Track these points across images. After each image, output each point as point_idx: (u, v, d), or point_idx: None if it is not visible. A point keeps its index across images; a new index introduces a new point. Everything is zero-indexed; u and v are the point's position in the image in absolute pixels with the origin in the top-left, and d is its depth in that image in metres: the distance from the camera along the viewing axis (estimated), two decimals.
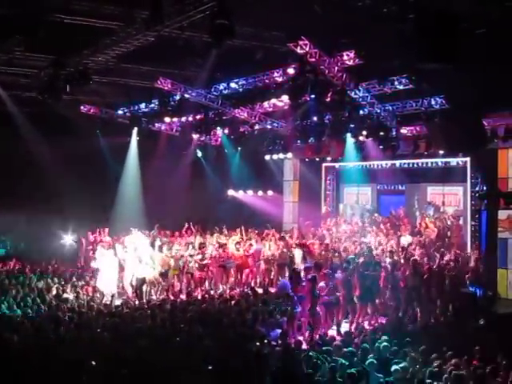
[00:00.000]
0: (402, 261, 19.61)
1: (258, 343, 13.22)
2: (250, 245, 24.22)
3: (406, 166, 28.14)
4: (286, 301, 16.87)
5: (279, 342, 14.03)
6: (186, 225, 26.70)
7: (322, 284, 17.27)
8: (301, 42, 18.98)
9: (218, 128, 29.77)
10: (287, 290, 16.90)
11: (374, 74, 21.45)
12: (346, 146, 27.31)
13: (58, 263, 24.68)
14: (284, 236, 25.76)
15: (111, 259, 21.65)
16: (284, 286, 17.19)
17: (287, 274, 20.78)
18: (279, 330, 15.09)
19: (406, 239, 23.85)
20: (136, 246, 22.17)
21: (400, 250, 21.92)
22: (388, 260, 19.92)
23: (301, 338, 15.58)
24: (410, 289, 18.38)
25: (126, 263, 21.73)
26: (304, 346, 14.66)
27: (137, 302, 19.77)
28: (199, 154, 33.01)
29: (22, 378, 10.81)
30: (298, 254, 23.24)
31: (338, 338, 15.32)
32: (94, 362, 11.50)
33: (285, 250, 23.69)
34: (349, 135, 25.73)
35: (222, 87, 25.01)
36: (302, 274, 18.33)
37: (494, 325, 15.41)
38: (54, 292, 20.12)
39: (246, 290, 21.49)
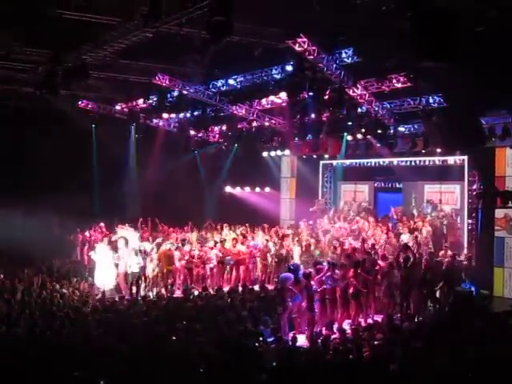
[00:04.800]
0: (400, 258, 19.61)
1: (253, 340, 13.23)
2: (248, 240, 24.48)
3: (403, 163, 28.13)
4: (280, 295, 16.93)
5: (273, 338, 14.05)
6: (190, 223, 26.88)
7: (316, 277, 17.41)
8: (299, 40, 18.92)
9: None
10: (287, 284, 16.88)
11: (372, 71, 21.43)
12: (343, 143, 27.37)
13: (54, 258, 24.77)
14: (287, 233, 25.96)
15: (108, 255, 21.67)
16: (285, 280, 17.13)
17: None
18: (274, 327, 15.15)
19: (405, 237, 23.83)
20: (127, 241, 22.19)
21: (398, 248, 21.91)
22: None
23: (299, 335, 15.62)
24: (405, 287, 18.40)
25: (120, 259, 21.77)
26: (303, 343, 14.76)
27: (132, 298, 19.83)
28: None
29: (16, 373, 10.79)
30: (296, 250, 23.31)
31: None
32: (87, 358, 11.51)
33: (281, 245, 23.87)
34: (346, 133, 25.72)
35: (220, 84, 24.97)
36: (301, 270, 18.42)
37: (490, 323, 15.39)
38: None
39: (241, 286, 21.50)
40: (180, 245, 23.43)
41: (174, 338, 13.46)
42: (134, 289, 21.32)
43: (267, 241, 24.69)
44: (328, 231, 26.70)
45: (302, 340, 15.35)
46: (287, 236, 25.34)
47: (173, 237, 25.11)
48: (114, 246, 22.28)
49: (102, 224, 26.14)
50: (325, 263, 19.32)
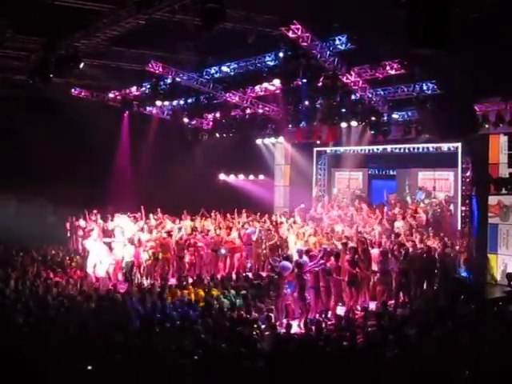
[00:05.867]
0: (395, 246, 19.61)
1: (247, 327, 13.26)
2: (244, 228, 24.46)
3: (397, 150, 28.18)
4: (276, 282, 16.94)
5: (267, 325, 14.08)
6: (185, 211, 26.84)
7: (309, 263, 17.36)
8: (293, 26, 18.87)
9: None
10: (285, 273, 16.87)
11: (366, 58, 21.39)
12: (337, 130, 27.37)
13: (48, 247, 24.76)
14: (278, 220, 25.98)
15: (102, 244, 21.65)
16: (284, 268, 17.10)
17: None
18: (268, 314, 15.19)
19: (399, 224, 23.89)
20: (123, 230, 22.18)
21: (393, 235, 21.98)
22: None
23: (293, 321, 15.68)
24: (400, 274, 18.42)
25: (115, 247, 21.76)
26: (297, 330, 14.79)
27: (127, 286, 19.85)
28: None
29: (13, 362, 10.80)
30: (291, 238, 23.29)
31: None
32: (83, 347, 11.51)
33: (275, 233, 23.90)
34: (340, 120, 25.69)
35: (213, 71, 24.92)
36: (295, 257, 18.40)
37: (484, 310, 15.47)
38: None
39: (235, 274, 21.51)
40: (177, 232, 23.48)
41: (168, 325, 13.48)
42: (128, 276, 21.30)
43: (260, 230, 24.64)
44: (318, 219, 26.72)
45: (295, 327, 15.41)
46: (281, 223, 25.35)
47: (167, 224, 25.08)
48: (108, 235, 22.28)
49: (95, 211, 26.06)
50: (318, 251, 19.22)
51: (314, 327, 13.83)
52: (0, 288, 17.95)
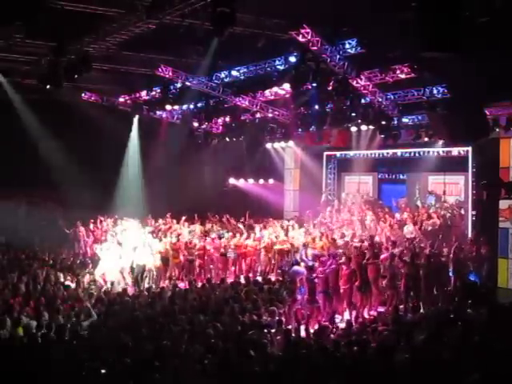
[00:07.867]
0: (405, 250, 19.54)
1: (257, 331, 13.24)
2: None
3: (407, 155, 28.07)
4: (290, 288, 16.91)
5: (278, 330, 14.05)
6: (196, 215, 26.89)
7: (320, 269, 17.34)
8: (302, 31, 18.90)
9: None
10: (297, 278, 16.84)
11: (376, 62, 21.37)
12: (347, 134, 27.33)
13: (58, 251, 24.79)
14: (285, 225, 25.92)
15: (113, 247, 21.67)
16: (296, 273, 17.06)
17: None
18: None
19: (409, 228, 23.77)
20: (131, 234, 22.19)
21: (405, 240, 21.88)
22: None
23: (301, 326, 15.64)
24: (409, 278, 18.35)
25: (124, 251, 21.75)
26: (304, 335, 14.76)
27: (136, 290, 19.88)
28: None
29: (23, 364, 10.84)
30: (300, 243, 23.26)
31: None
32: (93, 350, 11.54)
33: (285, 238, 23.88)
34: (350, 124, 25.63)
35: (223, 75, 24.96)
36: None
37: (494, 315, 15.38)
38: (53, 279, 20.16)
39: (245, 278, 21.51)
40: (187, 236, 23.54)
41: (178, 329, 13.47)
42: (139, 280, 21.30)
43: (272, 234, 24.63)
44: (326, 224, 26.63)
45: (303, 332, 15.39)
46: (289, 227, 25.33)
47: (176, 228, 25.12)
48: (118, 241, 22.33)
49: (103, 217, 26.12)
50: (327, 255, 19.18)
51: (322, 332, 13.82)
52: (11, 292, 18.02)
